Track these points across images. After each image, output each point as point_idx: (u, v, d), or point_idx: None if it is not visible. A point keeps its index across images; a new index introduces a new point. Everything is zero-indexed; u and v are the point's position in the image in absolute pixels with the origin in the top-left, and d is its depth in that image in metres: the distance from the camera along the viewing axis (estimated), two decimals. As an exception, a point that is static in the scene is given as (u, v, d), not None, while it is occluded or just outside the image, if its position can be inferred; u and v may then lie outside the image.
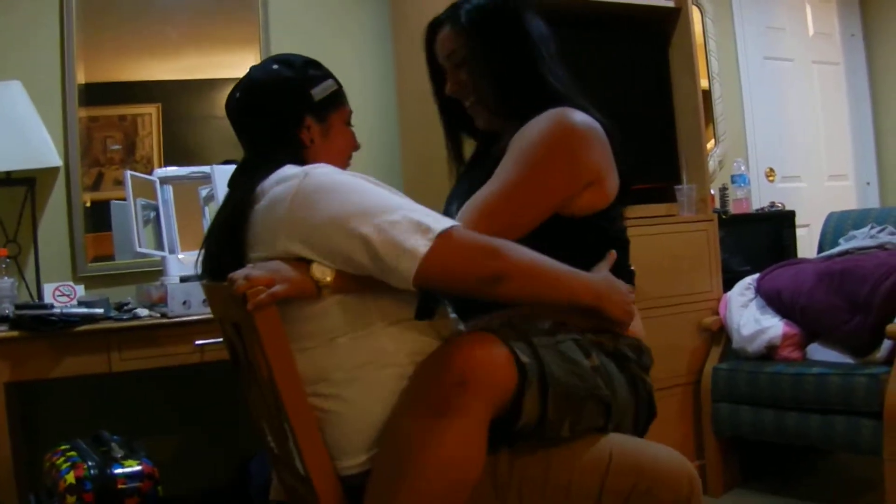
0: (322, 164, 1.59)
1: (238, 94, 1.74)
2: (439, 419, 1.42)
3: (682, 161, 3.51)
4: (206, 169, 2.90)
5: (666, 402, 3.26)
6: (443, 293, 1.64)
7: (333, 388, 1.54)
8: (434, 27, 1.89)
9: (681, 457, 1.63)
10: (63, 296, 2.81)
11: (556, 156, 1.68)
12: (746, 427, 3.16)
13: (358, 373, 1.54)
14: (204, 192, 2.98)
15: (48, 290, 2.84)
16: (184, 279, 2.76)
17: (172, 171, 2.98)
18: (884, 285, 2.91)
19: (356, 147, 1.84)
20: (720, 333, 3.35)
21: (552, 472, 1.56)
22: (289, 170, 1.58)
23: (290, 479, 1.71)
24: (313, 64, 1.78)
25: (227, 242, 1.61)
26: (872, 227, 3.38)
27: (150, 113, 3.26)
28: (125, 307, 2.80)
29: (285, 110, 1.71)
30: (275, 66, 1.74)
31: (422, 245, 1.42)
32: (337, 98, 1.78)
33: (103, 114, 3.18)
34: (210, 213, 2.97)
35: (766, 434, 3.10)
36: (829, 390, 2.85)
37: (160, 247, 2.85)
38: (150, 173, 3.00)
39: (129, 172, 2.86)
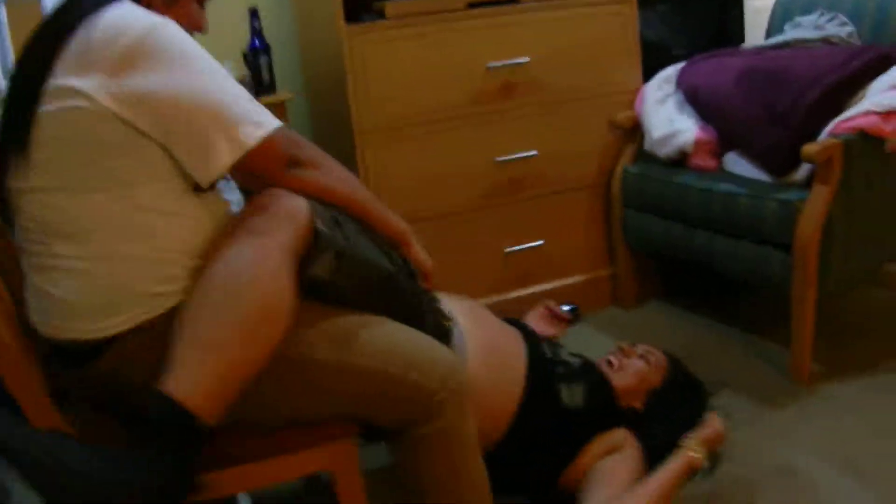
0: (173, 23, 1.43)
1: None
2: (241, 238, 1.42)
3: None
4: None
5: (574, 205, 3.06)
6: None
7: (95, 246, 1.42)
8: None
9: (448, 353, 1.61)
10: None
11: None
12: (656, 239, 2.92)
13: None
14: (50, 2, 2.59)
15: None
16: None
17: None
18: (806, 96, 2.50)
19: (200, 29, 1.67)
20: (635, 131, 3.01)
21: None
22: (138, 10, 1.43)
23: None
24: None
25: (41, 60, 1.41)
26: (822, 15, 2.91)
27: None
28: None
29: None
30: None
31: (248, 140, 1.42)
32: None
33: None
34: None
35: (677, 249, 2.85)
36: (737, 213, 2.55)
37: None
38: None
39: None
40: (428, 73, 2.77)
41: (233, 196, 1.63)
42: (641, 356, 2.18)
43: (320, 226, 1.47)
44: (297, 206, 1.46)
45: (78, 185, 1.40)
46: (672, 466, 1.89)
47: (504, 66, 2.82)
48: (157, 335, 1.39)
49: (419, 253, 1.75)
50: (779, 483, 2.07)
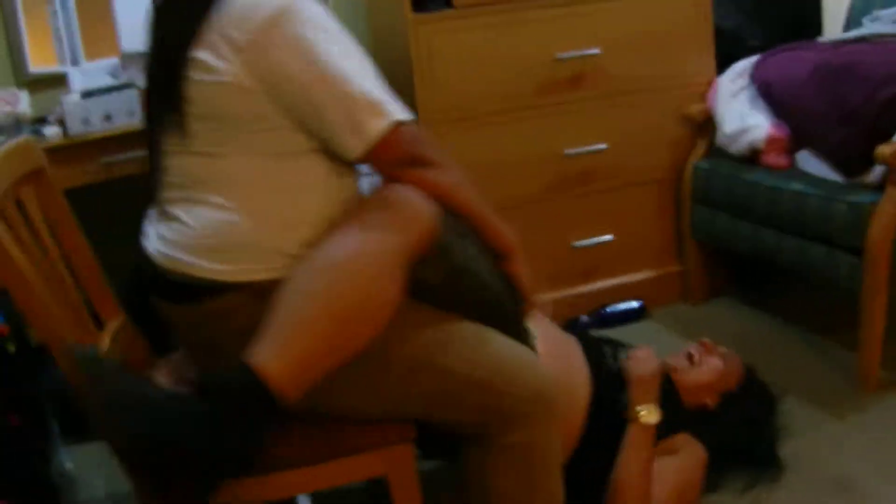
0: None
1: None
2: (358, 228, 1.43)
3: None
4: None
5: (643, 199, 3.04)
6: None
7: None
8: None
9: (535, 363, 1.59)
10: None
11: None
12: (724, 236, 2.89)
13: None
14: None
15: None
16: (87, 94, 2.53)
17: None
18: (881, 94, 2.42)
19: None
20: (707, 125, 2.96)
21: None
22: None
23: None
24: None
25: (182, 33, 1.46)
26: (904, 9, 2.80)
27: None
28: (39, 121, 2.61)
29: None
30: None
31: (374, 131, 1.45)
32: None
33: None
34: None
35: (745, 247, 2.82)
36: (806, 214, 2.50)
37: (60, 58, 2.58)
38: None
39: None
40: (495, 63, 2.77)
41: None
42: (721, 356, 2.17)
43: (444, 235, 1.48)
44: (424, 211, 1.46)
45: (226, 152, 1.46)
46: (627, 441, 1.90)
47: (573, 56, 2.81)
48: (260, 300, 1.41)
49: (524, 272, 1.68)
50: (834, 495, 2.03)
